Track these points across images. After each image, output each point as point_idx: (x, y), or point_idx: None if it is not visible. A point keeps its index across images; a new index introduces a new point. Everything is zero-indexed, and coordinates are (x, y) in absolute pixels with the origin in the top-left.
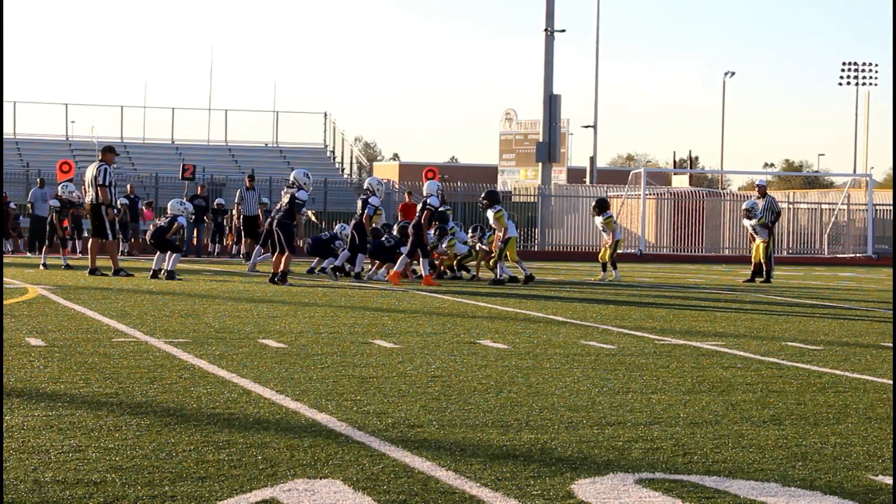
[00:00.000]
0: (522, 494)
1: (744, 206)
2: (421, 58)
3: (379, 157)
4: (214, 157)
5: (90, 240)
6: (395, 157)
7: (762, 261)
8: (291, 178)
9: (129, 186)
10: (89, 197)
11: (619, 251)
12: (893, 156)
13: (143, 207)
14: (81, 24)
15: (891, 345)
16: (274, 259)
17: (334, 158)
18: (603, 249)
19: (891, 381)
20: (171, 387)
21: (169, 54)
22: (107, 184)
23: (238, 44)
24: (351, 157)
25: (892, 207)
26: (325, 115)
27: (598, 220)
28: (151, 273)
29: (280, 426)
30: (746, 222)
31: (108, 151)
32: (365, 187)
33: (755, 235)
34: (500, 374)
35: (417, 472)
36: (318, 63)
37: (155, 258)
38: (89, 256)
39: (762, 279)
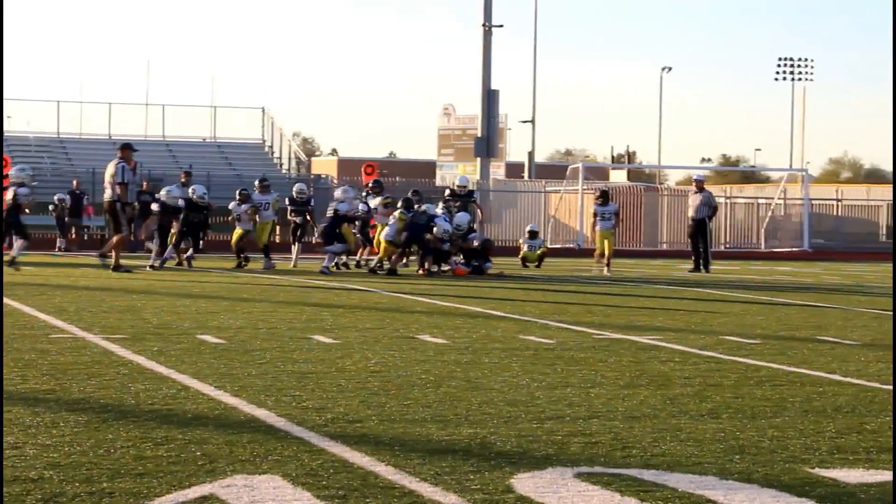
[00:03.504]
0: (462, 489)
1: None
2: (359, 52)
3: (317, 153)
4: (152, 152)
5: (114, 237)
6: (334, 152)
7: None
8: None
9: (74, 181)
10: (108, 195)
11: (555, 246)
12: (894, 152)
13: (87, 202)
14: (17, 20)
15: (827, 338)
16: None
17: (273, 154)
18: None
19: (825, 374)
20: (110, 383)
21: (105, 49)
22: (124, 181)
23: (175, 39)
24: (289, 153)
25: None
26: (263, 110)
27: None
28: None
29: (219, 422)
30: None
31: (126, 148)
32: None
33: None
34: (440, 369)
35: (357, 467)
36: (256, 58)
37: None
38: (113, 254)
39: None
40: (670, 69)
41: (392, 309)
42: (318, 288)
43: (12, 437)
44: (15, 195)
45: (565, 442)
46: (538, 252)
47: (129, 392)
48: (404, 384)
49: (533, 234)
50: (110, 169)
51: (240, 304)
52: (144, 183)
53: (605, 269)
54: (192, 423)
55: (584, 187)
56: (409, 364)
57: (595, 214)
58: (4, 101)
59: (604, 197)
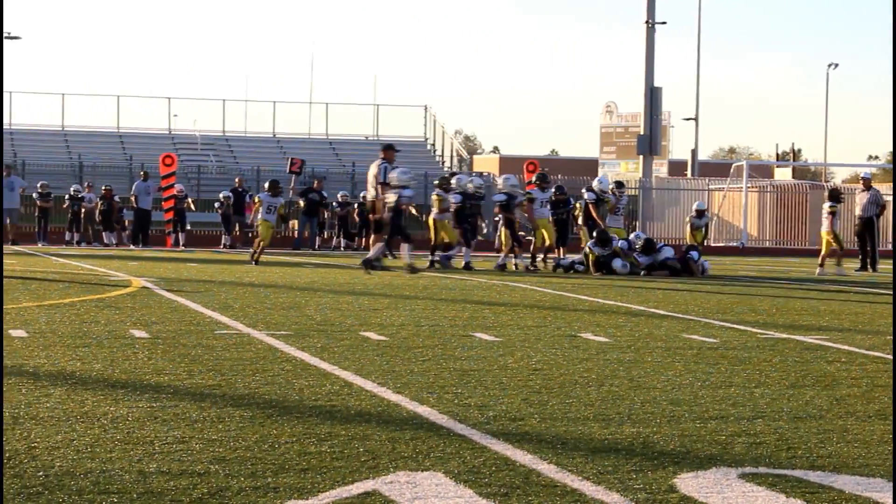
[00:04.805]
0: (624, 489)
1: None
2: (520, 50)
3: (479, 151)
4: (315, 150)
5: (373, 236)
6: (496, 149)
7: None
8: None
9: (237, 179)
10: (370, 194)
11: (718, 244)
12: (893, 150)
13: (249, 200)
14: (184, 19)
15: None
16: None
17: (434, 152)
18: None
19: None
20: (274, 379)
21: (270, 48)
22: (387, 181)
23: (338, 37)
24: (451, 150)
25: None
26: (426, 108)
27: None
28: None
29: (381, 419)
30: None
31: (389, 149)
32: None
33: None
34: (602, 368)
35: (519, 465)
36: (418, 57)
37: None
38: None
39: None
40: (837, 65)
41: (554, 307)
42: (479, 285)
43: (179, 432)
44: (399, 199)
45: (729, 442)
46: (703, 231)
47: (292, 388)
48: (566, 383)
49: (700, 213)
50: (373, 169)
51: (402, 302)
52: (315, 182)
53: (837, 267)
54: (355, 420)
55: (748, 185)
56: (571, 362)
57: (833, 213)
58: (171, 101)
59: (838, 195)
